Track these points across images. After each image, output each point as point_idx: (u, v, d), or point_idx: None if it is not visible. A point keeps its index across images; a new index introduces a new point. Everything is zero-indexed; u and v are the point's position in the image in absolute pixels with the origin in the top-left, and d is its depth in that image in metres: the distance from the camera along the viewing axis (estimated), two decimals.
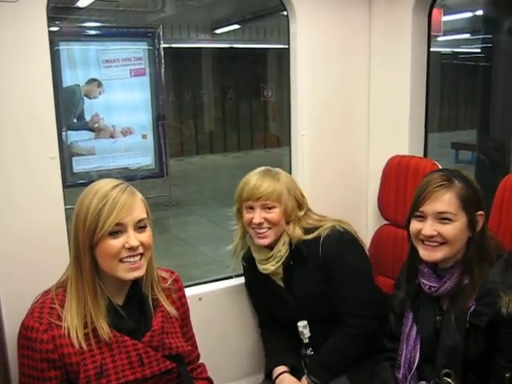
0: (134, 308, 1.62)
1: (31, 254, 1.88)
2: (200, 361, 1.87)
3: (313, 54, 2.40)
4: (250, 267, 2.22)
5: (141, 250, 1.54)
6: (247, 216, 2.06)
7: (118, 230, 1.50)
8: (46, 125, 1.89)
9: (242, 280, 2.44)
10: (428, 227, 1.66)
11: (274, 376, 2.12)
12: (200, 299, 2.30)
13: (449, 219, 1.64)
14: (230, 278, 2.45)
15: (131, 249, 1.51)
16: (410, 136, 2.45)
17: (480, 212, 1.68)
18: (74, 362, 1.49)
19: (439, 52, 13.95)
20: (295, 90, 2.42)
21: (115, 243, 1.50)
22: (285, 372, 2.12)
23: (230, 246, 2.24)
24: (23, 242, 1.87)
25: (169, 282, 1.74)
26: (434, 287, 1.70)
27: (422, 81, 2.46)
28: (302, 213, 2.09)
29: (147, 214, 1.59)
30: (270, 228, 2.04)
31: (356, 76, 2.54)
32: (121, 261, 1.52)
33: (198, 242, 6.85)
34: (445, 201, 1.64)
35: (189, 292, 2.25)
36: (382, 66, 2.52)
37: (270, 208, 2.03)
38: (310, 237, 2.05)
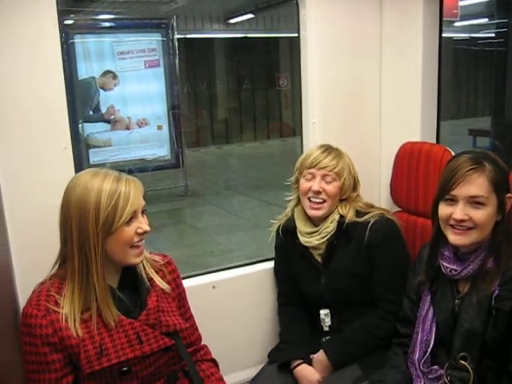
0: (129, 289, 1.67)
1: (45, 242, 1.87)
2: (212, 348, 1.90)
3: (323, 42, 2.40)
4: (287, 239, 2.24)
5: (145, 235, 1.62)
6: (305, 184, 2.10)
7: (132, 218, 1.56)
8: (58, 116, 1.92)
9: (256, 268, 2.46)
10: (459, 211, 1.63)
11: (293, 365, 2.13)
12: (214, 287, 2.32)
13: (481, 203, 1.61)
14: (244, 265, 2.47)
15: (143, 233, 1.59)
16: (422, 122, 2.44)
17: (509, 194, 1.66)
18: (74, 344, 1.54)
19: (455, 38, 13.81)
20: (306, 77, 2.42)
21: (130, 230, 1.56)
22: (304, 363, 2.12)
23: (280, 215, 2.28)
24: (36, 231, 1.91)
25: (161, 263, 1.79)
26: (455, 270, 1.69)
27: (434, 67, 2.45)
28: (355, 194, 2.16)
29: None
30: (324, 200, 2.08)
31: (367, 63, 2.53)
32: (131, 247, 1.58)
33: (213, 231, 6.89)
34: (478, 184, 1.61)
35: (202, 280, 2.30)
36: (393, 53, 2.50)
37: (329, 180, 2.08)
38: (359, 219, 2.10)
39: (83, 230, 1.53)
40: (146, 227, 1.59)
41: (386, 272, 2.07)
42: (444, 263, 1.72)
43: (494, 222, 1.65)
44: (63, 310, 1.54)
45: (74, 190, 1.56)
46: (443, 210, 1.68)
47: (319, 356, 2.11)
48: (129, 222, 1.55)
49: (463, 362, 1.65)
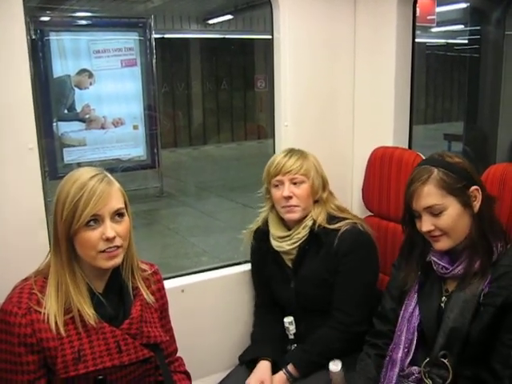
0: (114, 296, 1.62)
1: (11, 241, 1.89)
2: (180, 354, 1.87)
3: (296, 44, 2.39)
4: (260, 243, 2.23)
5: (118, 242, 1.54)
6: (276, 193, 2.09)
7: (94, 220, 1.50)
8: (24, 116, 1.88)
9: (225, 272, 2.44)
10: (424, 224, 1.66)
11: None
12: (182, 291, 2.30)
13: (439, 210, 1.63)
14: (213, 269, 2.45)
15: (108, 240, 1.51)
16: (394, 127, 2.45)
17: (474, 187, 1.65)
18: (52, 346, 1.49)
19: (432, 43, 13.98)
20: (278, 80, 2.41)
21: (92, 235, 1.50)
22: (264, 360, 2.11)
23: (251, 225, 2.28)
24: (3, 230, 1.88)
25: (148, 273, 1.74)
26: (446, 268, 1.69)
27: (407, 72, 2.45)
28: (325, 194, 2.13)
29: (125, 204, 1.59)
30: (298, 204, 2.06)
31: (340, 67, 2.52)
32: (99, 252, 1.52)
33: (188, 233, 6.86)
34: (426, 195, 1.64)
35: (171, 284, 2.27)
36: (366, 57, 2.51)
37: (298, 183, 2.06)
38: (331, 226, 2.07)
39: (56, 221, 1.52)
40: (110, 233, 1.50)
41: (346, 282, 2.06)
42: (435, 259, 1.72)
43: (468, 219, 1.65)
44: (45, 310, 1.49)
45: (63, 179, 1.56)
46: (418, 225, 1.71)
47: (278, 376, 2.07)
48: (91, 225, 1.50)
49: (443, 360, 1.65)
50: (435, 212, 1.64)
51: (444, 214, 1.63)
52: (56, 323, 1.49)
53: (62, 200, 1.50)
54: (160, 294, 1.77)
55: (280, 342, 2.20)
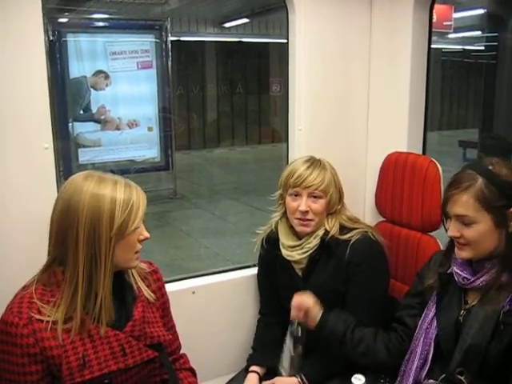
0: (116, 298, 1.62)
1: (24, 241, 1.89)
2: (190, 355, 1.87)
3: (311, 48, 2.38)
4: (271, 250, 2.21)
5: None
6: (292, 204, 2.06)
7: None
8: (41, 115, 1.89)
9: (236, 274, 2.44)
10: (451, 228, 1.62)
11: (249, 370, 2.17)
12: (193, 293, 2.29)
13: (470, 221, 1.58)
14: (224, 271, 2.45)
15: (144, 240, 1.59)
16: (408, 133, 2.43)
17: None
18: (56, 354, 1.48)
19: (448, 50, 13.91)
20: (293, 84, 2.40)
21: (134, 236, 1.56)
22: (253, 372, 2.15)
23: (264, 226, 2.26)
24: (16, 230, 1.89)
25: (147, 271, 1.76)
26: (467, 279, 1.65)
27: (422, 78, 2.43)
28: (340, 206, 2.12)
29: None
30: (313, 218, 2.04)
31: (355, 72, 2.51)
32: (135, 253, 1.59)
33: (200, 235, 6.88)
34: (461, 204, 1.58)
35: (182, 285, 2.28)
36: (381, 62, 2.49)
37: (316, 197, 2.04)
38: (342, 237, 2.05)
39: (95, 236, 1.49)
40: (147, 234, 1.59)
41: (359, 291, 2.03)
42: (457, 270, 1.68)
43: (498, 236, 1.59)
44: (47, 318, 1.48)
45: (80, 196, 1.50)
46: (445, 225, 1.68)
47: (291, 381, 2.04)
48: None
49: (460, 377, 1.60)
50: (465, 222, 1.59)
51: (473, 227, 1.58)
52: (60, 332, 1.49)
53: (107, 211, 1.49)
54: (160, 292, 1.77)
55: (279, 347, 2.19)
